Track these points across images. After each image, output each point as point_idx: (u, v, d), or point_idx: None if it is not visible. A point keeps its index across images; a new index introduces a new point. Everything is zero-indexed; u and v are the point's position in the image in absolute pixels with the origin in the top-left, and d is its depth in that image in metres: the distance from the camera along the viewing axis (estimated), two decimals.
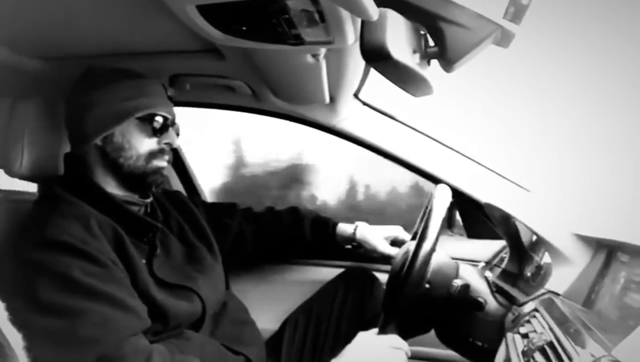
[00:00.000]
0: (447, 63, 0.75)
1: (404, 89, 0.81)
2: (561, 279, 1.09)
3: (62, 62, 1.19)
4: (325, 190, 3.46)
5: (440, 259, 1.19)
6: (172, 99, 1.21)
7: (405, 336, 1.12)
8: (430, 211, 1.11)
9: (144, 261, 1.12)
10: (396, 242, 1.46)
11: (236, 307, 1.36)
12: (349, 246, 1.49)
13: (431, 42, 0.77)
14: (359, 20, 0.73)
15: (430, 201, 1.15)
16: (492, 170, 1.51)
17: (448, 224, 1.75)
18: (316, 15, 0.78)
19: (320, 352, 1.40)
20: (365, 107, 1.58)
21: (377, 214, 3.41)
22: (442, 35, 0.73)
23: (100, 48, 1.14)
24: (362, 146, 1.63)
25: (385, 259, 1.42)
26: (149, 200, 1.22)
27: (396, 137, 1.58)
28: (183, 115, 1.36)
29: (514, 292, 1.20)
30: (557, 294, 1.07)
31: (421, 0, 0.72)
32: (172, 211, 1.33)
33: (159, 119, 1.15)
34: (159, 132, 1.16)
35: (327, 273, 1.57)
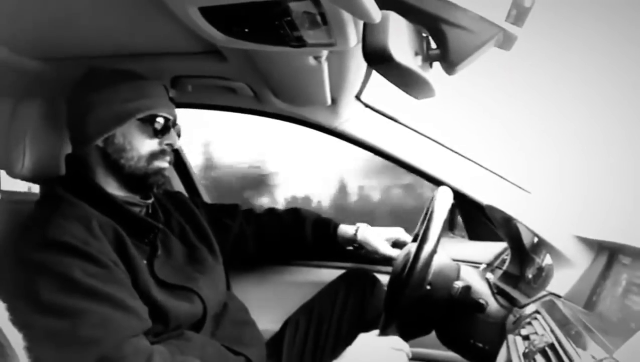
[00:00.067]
0: (449, 65, 0.75)
1: (405, 91, 0.81)
2: (562, 281, 1.09)
3: (62, 63, 1.19)
4: (318, 191, 3.48)
5: (441, 260, 1.19)
6: (173, 100, 1.21)
7: (406, 337, 1.12)
8: (432, 212, 1.11)
9: (145, 261, 1.12)
10: (397, 244, 1.46)
11: (237, 308, 1.36)
12: (350, 247, 1.49)
13: (433, 45, 0.77)
14: (361, 23, 0.73)
15: (432, 202, 1.15)
16: (494, 172, 1.50)
17: (449, 225, 1.75)
18: (318, 18, 0.78)
19: (321, 353, 1.40)
20: (367, 109, 1.58)
21: (369, 215, 3.42)
22: (444, 38, 0.73)
23: (101, 49, 1.14)
24: (363, 148, 1.63)
25: (387, 260, 1.42)
26: (150, 201, 1.22)
27: (398, 139, 1.58)
28: (183, 116, 1.36)
29: (515, 294, 1.20)
30: (559, 296, 1.07)
31: (423, 3, 0.72)
32: (173, 212, 1.33)
33: (160, 120, 1.15)
34: (160, 133, 1.16)
35: (328, 274, 1.57)
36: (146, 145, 1.15)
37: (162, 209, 1.29)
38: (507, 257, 1.40)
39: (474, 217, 1.68)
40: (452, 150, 1.55)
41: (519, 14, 0.71)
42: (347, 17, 0.79)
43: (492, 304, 1.20)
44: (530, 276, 1.26)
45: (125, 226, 1.11)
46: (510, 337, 1.02)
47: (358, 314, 1.42)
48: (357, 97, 1.55)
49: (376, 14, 0.65)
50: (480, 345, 1.19)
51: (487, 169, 1.52)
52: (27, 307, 0.92)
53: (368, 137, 1.59)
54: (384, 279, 1.41)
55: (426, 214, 1.29)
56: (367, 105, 1.58)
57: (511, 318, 1.14)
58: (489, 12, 0.72)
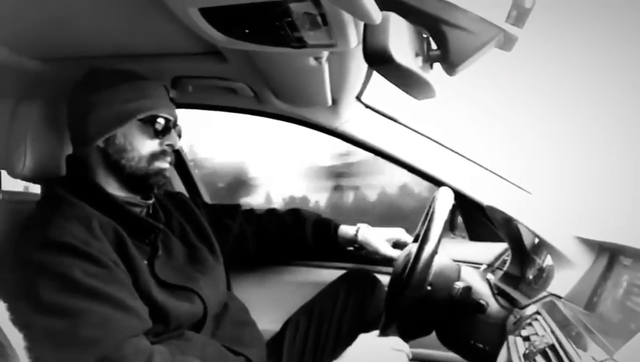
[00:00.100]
0: (450, 66, 0.75)
1: (406, 92, 0.81)
2: (563, 282, 1.09)
3: (62, 63, 1.19)
4: (315, 191, 3.48)
5: (442, 261, 1.19)
6: (174, 101, 1.21)
7: (406, 337, 1.12)
8: (433, 213, 1.11)
9: (145, 262, 1.12)
10: (398, 245, 1.45)
11: (237, 308, 1.36)
12: (351, 248, 1.49)
13: (434, 46, 0.77)
14: (361, 24, 0.73)
15: (433, 203, 1.15)
16: (494, 173, 1.50)
17: (450, 226, 1.75)
18: (319, 19, 0.78)
19: (321, 353, 1.40)
20: (368, 109, 1.58)
21: (365, 215, 3.43)
22: (444, 39, 0.73)
23: (101, 49, 1.14)
24: (364, 149, 1.63)
25: (387, 261, 1.42)
26: (150, 201, 1.22)
27: (398, 140, 1.58)
28: (184, 116, 1.36)
29: (515, 294, 1.20)
30: (559, 297, 1.07)
31: (424, 4, 0.72)
32: (174, 212, 1.33)
33: (161, 120, 1.15)
34: (160, 133, 1.16)
35: (329, 275, 1.57)
36: (147, 145, 1.15)
37: (162, 210, 1.29)
38: (507, 258, 1.40)
39: (474, 218, 1.68)
40: (453, 151, 1.55)
41: (519, 15, 0.71)
42: (348, 18, 0.79)
43: (493, 305, 1.20)
44: (530, 276, 1.25)
45: (126, 226, 1.11)
46: (510, 338, 1.02)
47: (358, 314, 1.42)
48: (358, 98, 1.55)
49: (377, 15, 0.65)
50: (481, 346, 1.19)
51: (487, 169, 1.52)
52: (27, 308, 0.92)
53: (369, 138, 1.59)
54: (385, 279, 1.41)
55: (427, 214, 1.29)
56: (367, 106, 1.58)
57: (512, 319, 1.14)
58: (490, 13, 0.72)
